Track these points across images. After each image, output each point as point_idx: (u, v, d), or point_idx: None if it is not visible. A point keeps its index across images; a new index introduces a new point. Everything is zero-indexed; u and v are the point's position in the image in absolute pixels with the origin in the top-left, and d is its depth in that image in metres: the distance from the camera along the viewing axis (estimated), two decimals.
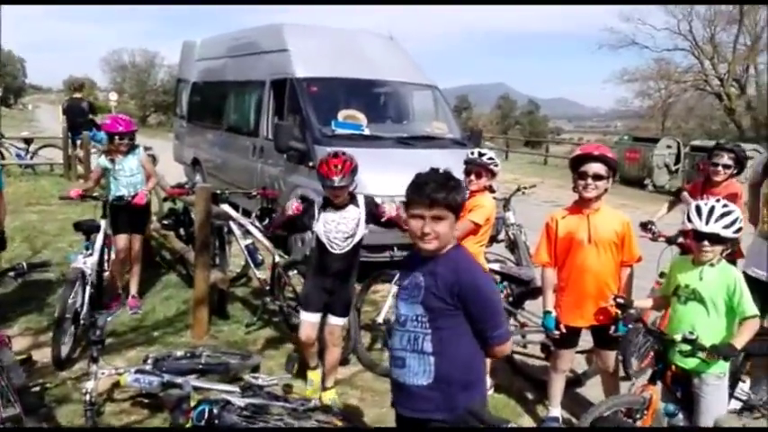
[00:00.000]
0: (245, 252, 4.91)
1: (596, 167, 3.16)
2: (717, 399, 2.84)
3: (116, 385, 3.73)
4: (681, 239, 4.42)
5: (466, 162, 4.02)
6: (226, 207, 5.06)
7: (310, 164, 6.44)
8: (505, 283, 4.48)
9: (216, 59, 9.89)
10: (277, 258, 4.67)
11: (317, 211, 3.68)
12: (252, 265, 4.87)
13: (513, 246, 6.54)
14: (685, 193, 4.41)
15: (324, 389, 3.82)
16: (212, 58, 10.06)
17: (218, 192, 5.06)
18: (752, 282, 3.65)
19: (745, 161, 4.33)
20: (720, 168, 4.28)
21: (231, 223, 5.03)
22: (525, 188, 6.20)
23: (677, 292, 2.89)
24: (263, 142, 7.59)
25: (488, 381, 4.08)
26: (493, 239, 6.68)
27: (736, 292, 2.70)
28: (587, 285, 3.27)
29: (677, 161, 16.54)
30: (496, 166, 4.04)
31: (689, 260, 2.91)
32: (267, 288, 4.82)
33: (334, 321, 3.78)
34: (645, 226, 4.23)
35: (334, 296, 3.74)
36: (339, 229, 3.60)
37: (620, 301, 3.08)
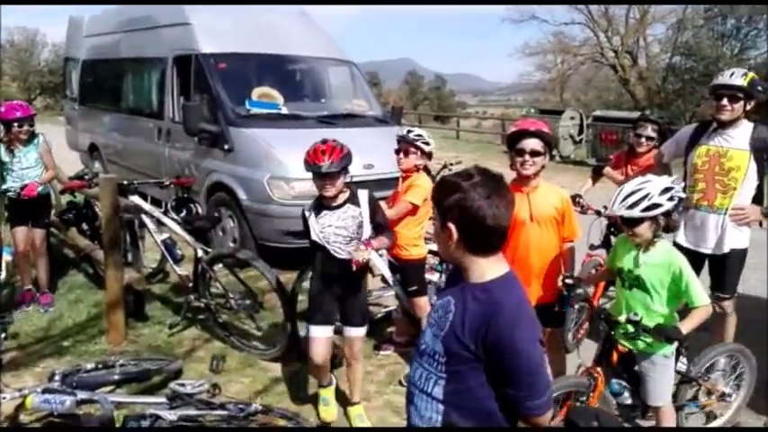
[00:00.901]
0: (162, 248, 4.48)
1: (533, 143, 3.07)
2: (664, 378, 2.86)
3: (22, 407, 3.27)
4: (609, 212, 4.51)
5: (398, 140, 3.94)
6: (135, 199, 4.57)
7: (225, 147, 6.03)
8: (445, 265, 4.39)
9: (108, 35, 9.03)
10: (200, 253, 4.28)
11: (307, 216, 3.30)
12: (170, 262, 4.45)
13: None
14: (608, 168, 4.46)
15: (351, 404, 3.56)
16: (104, 33, 9.18)
17: (126, 183, 4.56)
18: (679, 249, 3.78)
19: (668, 132, 4.43)
20: (644, 140, 4.36)
21: (143, 216, 4.56)
22: (451, 164, 6.13)
23: (621, 276, 2.87)
24: (170, 125, 7.03)
25: None
26: None
27: (683, 280, 2.64)
28: (532, 264, 3.19)
29: (580, 131, 17.28)
30: (426, 144, 3.94)
31: (630, 242, 2.84)
32: (190, 285, 4.44)
33: (354, 333, 3.43)
34: (573, 199, 4.23)
35: (346, 305, 3.38)
36: (338, 232, 3.24)
37: (569, 281, 3.04)
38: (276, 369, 4.08)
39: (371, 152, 5.82)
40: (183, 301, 4.51)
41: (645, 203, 2.59)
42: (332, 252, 3.24)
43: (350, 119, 6.77)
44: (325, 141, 3.19)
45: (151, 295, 5.16)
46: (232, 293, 4.23)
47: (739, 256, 3.65)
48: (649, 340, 2.70)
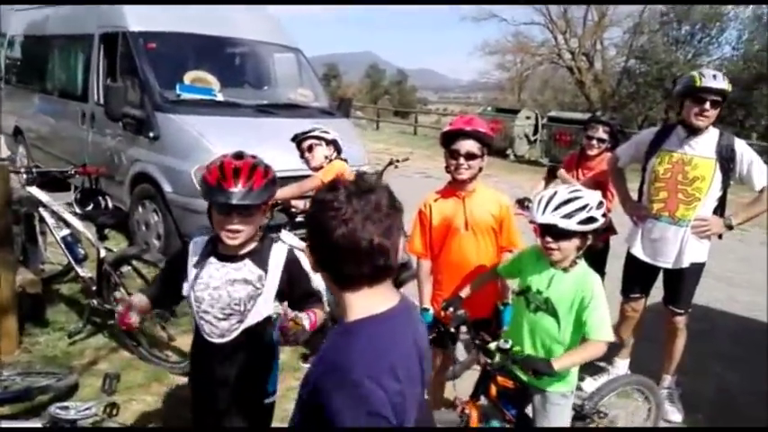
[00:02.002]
0: (62, 245, 3.97)
1: (468, 145, 2.72)
2: (559, 419, 2.47)
3: None
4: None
5: (295, 142, 3.65)
6: (33, 190, 4.04)
7: (150, 134, 5.51)
8: None
9: (37, 9, 8.34)
10: (102, 252, 3.80)
11: (189, 253, 2.17)
12: (72, 261, 3.95)
13: None
14: (562, 171, 4.18)
15: None
16: (33, 7, 8.48)
17: (24, 171, 4.03)
18: (634, 260, 3.52)
19: (619, 135, 4.18)
20: (595, 142, 4.09)
21: (42, 210, 4.04)
22: (398, 161, 5.76)
23: (526, 295, 2.45)
24: (94, 108, 6.43)
25: None
26: None
27: (591, 305, 2.24)
28: (466, 276, 2.85)
29: (536, 131, 17.27)
30: (326, 132, 3.74)
31: (546, 259, 2.39)
32: (94, 288, 3.95)
33: None
34: (521, 203, 3.93)
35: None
36: (217, 298, 2.10)
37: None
38: (186, 384, 3.64)
39: None
40: (86, 305, 4.01)
41: (583, 215, 2.20)
42: (201, 330, 2.15)
43: (292, 109, 6.31)
44: (240, 156, 2.07)
45: (57, 298, 4.63)
46: None
47: (697, 269, 3.42)
48: (517, 369, 2.33)
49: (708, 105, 3.12)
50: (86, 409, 2.89)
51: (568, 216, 2.19)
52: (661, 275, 3.55)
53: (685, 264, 3.34)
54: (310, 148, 3.65)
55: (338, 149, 3.88)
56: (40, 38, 8.14)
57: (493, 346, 2.29)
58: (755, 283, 6.38)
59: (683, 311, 3.48)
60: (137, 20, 5.97)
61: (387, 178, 6.91)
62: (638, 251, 3.49)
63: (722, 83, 3.11)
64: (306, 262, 1.69)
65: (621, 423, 2.93)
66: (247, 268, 2.10)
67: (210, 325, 2.13)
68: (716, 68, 21.14)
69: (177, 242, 5.45)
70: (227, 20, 6.61)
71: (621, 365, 3.81)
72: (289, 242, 3.87)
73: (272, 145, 5.58)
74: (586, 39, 27.45)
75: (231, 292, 2.09)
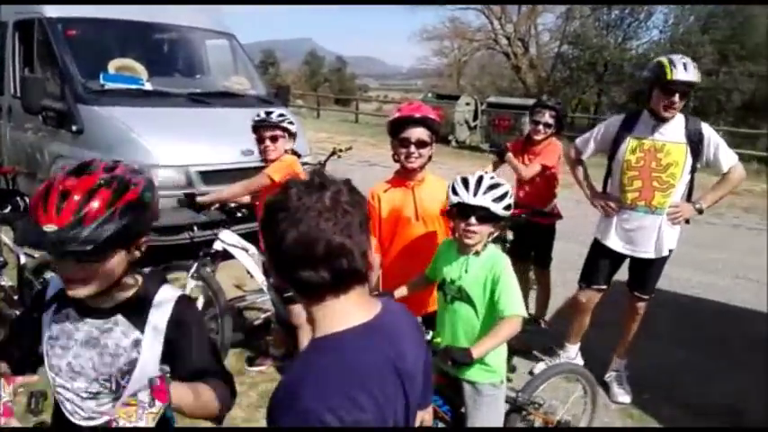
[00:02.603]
0: None
1: (419, 133, 2.64)
2: (493, 411, 2.42)
3: None
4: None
5: (255, 127, 3.35)
6: None
7: (73, 128, 5.14)
8: None
9: None
10: (23, 259, 3.49)
11: (45, 310, 1.53)
12: None
13: None
14: (510, 155, 4.13)
15: None
16: None
17: None
18: (605, 251, 3.46)
19: (565, 119, 4.18)
20: (541, 127, 4.05)
21: None
22: (341, 150, 5.61)
23: (443, 288, 2.42)
24: (11, 101, 5.95)
25: None
26: None
27: (500, 284, 2.22)
28: (417, 267, 2.76)
29: (475, 117, 17.41)
30: (292, 123, 3.41)
31: (455, 247, 2.40)
32: (15, 297, 3.63)
33: None
34: None
35: None
36: (80, 365, 1.47)
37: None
38: None
39: (252, 136, 5.19)
40: (8, 316, 3.69)
41: (506, 201, 2.23)
42: (62, 407, 1.51)
43: (227, 98, 6.04)
44: (82, 170, 1.38)
45: None
46: None
47: (667, 256, 3.39)
48: (438, 360, 2.25)
49: (677, 98, 3.05)
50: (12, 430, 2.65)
51: (498, 200, 2.22)
52: (626, 262, 3.51)
53: (665, 252, 3.31)
54: (275, 139, 3.36)
55: (294, 139, 3.64)
56: None
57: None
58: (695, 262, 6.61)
59: (648, 297, 3.49)
60: (54, 5, 5.54)
61: (330, 168, 6.76)
62: (613, 243, 3.39)
63: (693, 74, 3.03)
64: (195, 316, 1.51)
65: (560, 412, 2.91)
66: (119, 330, 1.47)
67: (73, 404, 1.49)
68: (644, 52, 21.98)
69: None
70: (154, 5, 6.23)
71: (572, 350, 3.82)
72: (230, 242, 3.67)
73: (207, 136, 5.36)
74: (521, 24, 27.88)
75: (97, 363, 1.46)
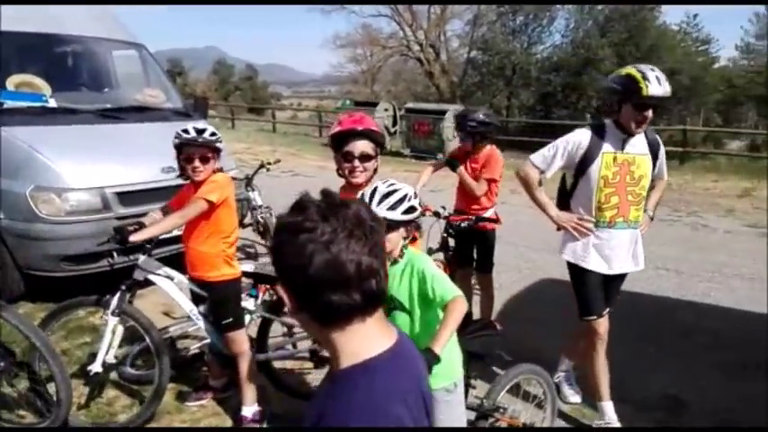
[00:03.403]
0: None
1: (362, 146, 2.55)
2: (451, 416, 2.30)
3: None
4: (447, 213, 4.19)
5: (182, 145, 3.04)
6: None
7: None
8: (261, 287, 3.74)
9: None
10: None
11: None
12: None
13: (264, 230, 5.72)
14: (461, 169, 4.10)
15: None
16: None
17: None
18: (593, 276, 3.16)
19: (491, 125, 4.13)
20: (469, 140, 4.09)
21: None
22: (269, 163, 5.39)
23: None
24: None
25: (254, 408, 3.30)
26: (239, 223, 5.77)
27: (427, 279, 2.17)
28: None
29: (395, 123, 17.56)
30: (221, 142, 3.15)
31: None
32: None
33: None
34: None
35: None
36: None
37: None
38: None
39: (171, 152, 4.86)
40: None
41: (405, 205, 2.16)
42: None
43: (141, 112, 5.66)
44: None
45: None
46: None
47: None
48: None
49: (650, 113, 2.87)
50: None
51: (393, 208, 2.14)
52: None
53: (642, 264, 3.19)
54: (205, 160, 3.05)
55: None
56: None
57: None
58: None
59: (611, 310, 3.30)
60: None
61: (255, 181, 6.51)
62: (596, 265, 3.13)
63: (666, 87, 2.83)
64: None
65: (524, 415, 2.90)
66: None
67: None
68: (549, 55, 23.05)
69: (16, 276, 4.68)
70: (55, 15, 5.74)
71: (609, 408, 3.37)
72: (151, 270, 3.34)
73: (122, 154, 4.97)
74: (431, 30, 28.49)
75: None
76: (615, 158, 3.01)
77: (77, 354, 4.05)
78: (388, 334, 1.11)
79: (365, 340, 1.06)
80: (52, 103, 5.09)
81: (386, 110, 17.59)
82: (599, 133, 3.04)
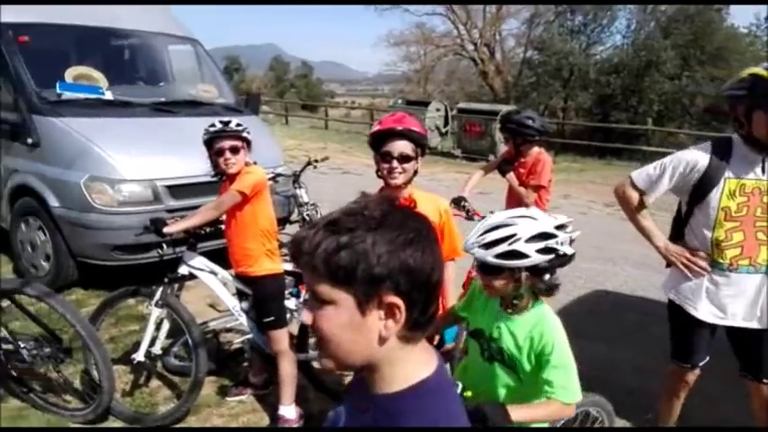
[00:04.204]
0: None
1: (401, 146, 2.45)
2: None
3: None
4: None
5: (211, 138, 3.08)
6: None
7: (29, 141, 4.79)
8: (303, 286, 3.67)
9: None
10: None
11: None
12: None
13: None
14: (512, 175, 3.93)
15: None
16: None
17: None
18: (699, 324, 2.67)
19: (531, 128, 3.86)
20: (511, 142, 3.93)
21: None
22: (316, 161, 5.37)
23: (478, 337, 2.02)
24: None
25: (292, 408, 3.26)
26: (285, 221, 5.80)
27: (549, 365, 1.83)
28: None
29: (446, 123, 17.38)
30: (249, 133, 3.17)
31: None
32: None
33: None
34: (457, 203, 3.69)
35: None
36: None
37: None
38: None
39: None
40: None
41: (503, 247, 1.80)
42: None
43: (194, 107, 5.73)
44: None
45: None
46: (22, 340, 3.16)
47: None
48: None
49: None
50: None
51: (489, 246, 1.82)
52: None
53: (766, 321, 2.57)
54: (235, 150, 3.08)
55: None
56: None
57: None
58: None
59: None
60: (6, 10, 5.16)
61: (304, 177, 6.52)
62: (706, 314, 2.60)
63: None
64: None
65: None
66: None
67: None
68: (608, 57, 22.33)
69: (70, 263, 4.81)
70: (114, 9, 5.89)
71: None
72: (196, 265, 3.37)
73: (173, 148, 5.04)
74: (486, 29, 28.07)
75: None
76: (743, 186, 2.44)
77: (125, 341, 4.12)
78: (430, 350, 1.01)
79: (423, 357, 0.97)
80: (108, 96, 5.22)
81: (437, 110, 17.42)
82: (722, 152, 2.48)
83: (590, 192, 11.25)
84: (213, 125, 3.11)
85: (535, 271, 1.82)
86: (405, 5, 29.14)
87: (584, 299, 5.31)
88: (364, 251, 0.87)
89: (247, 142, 3.16)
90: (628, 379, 3.83)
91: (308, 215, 5.72)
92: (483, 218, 3.85)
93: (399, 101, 19.30)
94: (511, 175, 3.93)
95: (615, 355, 4.23)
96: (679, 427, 3.08)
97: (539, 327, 1.87)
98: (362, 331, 0.91)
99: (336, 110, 30.00)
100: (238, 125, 3.12)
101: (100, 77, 5.28)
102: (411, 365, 0.95)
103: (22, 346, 3.11)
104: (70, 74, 5.11)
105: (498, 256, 1.80)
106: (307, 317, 0.94)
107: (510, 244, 1.79)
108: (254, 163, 3.27)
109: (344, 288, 0.89)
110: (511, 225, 1.83)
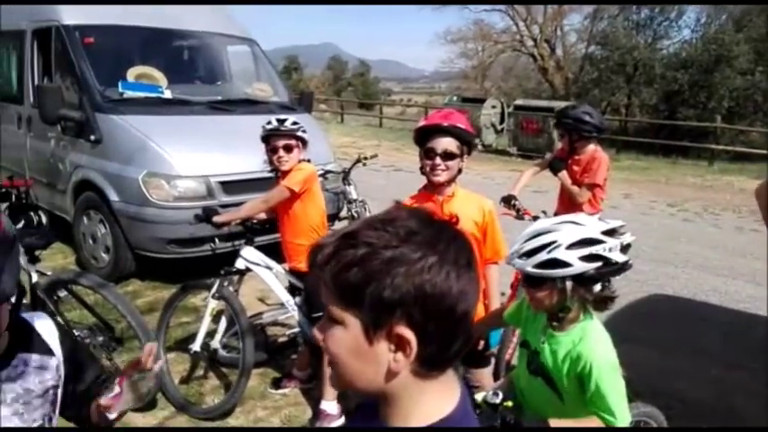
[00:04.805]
0: None
1: (446, 143, 2.40)
2: None
3: None
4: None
5: (267, 136, 3.14)
6: None
7: (92, 138, 5.00)
8: None
9: None
10: (34, 278, 3.32)
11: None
12: None
13: None
14: (564, 173, 3.77)
15: None
16: None
17: None
18: None
19: (588, 124, 3.69)
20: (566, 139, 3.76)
21: None
22: (365, 158, 5.38)
23: (526, 348, 1.95)
24: (30, 111, 5.84)
25: (333, 404, 3.27)
26: (334, 217, 5.84)
27: (591, 382, 1.70)
28: None
29: (502, 120, 17.06)
30: (305, 132, 3.21)
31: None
32: None
33: None
34: (507, 201, 3.59)
35: None
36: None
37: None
38: (138, 422, 3.22)
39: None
40: None
41: (542, 256, 1.68)
42: None
43: (249, 105, 5.86)
44: None
45: None
46: (77, 329, 3.30)
47: None
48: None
49: None
50: None
51: (526, 255, 1.72)
52: None
53: None
54: (289, 149, 3.15)
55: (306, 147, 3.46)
56: None
57: (479, 397, 1.83)
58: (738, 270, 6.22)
59: None
60: (72, 12, 5.43)
61: (355, 174, 6.55)
62: None
63: None
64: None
65: None
66: (32, 366, 1.32)
67: None
68: (676, 51, 21.34)
69: (128, 255, 4.99)
70: (173, 10, 6.08)
71: None
72: (252, 260, 3.44)
73: (227, 145, 5.16)
74: (547, 25, 27.41)
75: (25, 415, 1.29)
76: None
77: (177, 332, 4.23)
78: (454, 388, 0.88)
79: (446, 392, 0.85)
80: (167, 95, 5.40)
81: (493, 107, 17.12)
82: None
83: (653, 191, 10.81)
84: (270, 122, 3.19)
85: (582, 281, 1.69)
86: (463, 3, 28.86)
87: (641, 302, 5.09)
88: (377, 270, 0.75)
89: (302, 141, 3.21)
90: (682, 388, 3.65)
91: (356, 212, 5.73)
92: (535, 217, 3.78)
93: (455, 98, 19.08)
94: (563, 173, 3.79)
95: (669, 362, 4.03)
96: (684, 427, 2.92)
97: (580, 345, 1.75)
98: (369, 361, 0.80)
99: (392, 108, 30.06)
100: (294, 123, 3.17)
101: (160, 77, 5.47)
102: (431, 401, 0.83)
103: (76, 334, 3.25)
104: (132, 73, 5.32)
105: (538, 265, 1.69)
106: (317, 334, 0.85)
107: (549, 252, 1.68)
108: (308, 160, 3.32)
109: (352, 310, 0.78)
110: (552, 231, 1.72)
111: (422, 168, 2.50)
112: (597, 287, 1.71)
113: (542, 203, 4.22)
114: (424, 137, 2.45)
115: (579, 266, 1.67)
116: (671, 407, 2.83)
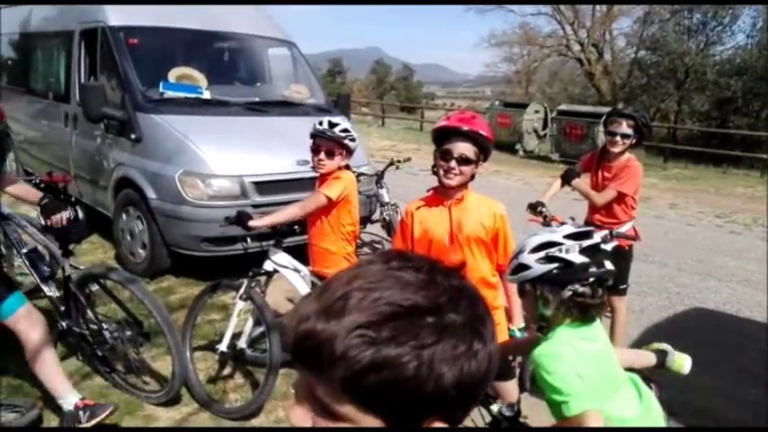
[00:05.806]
0: (26, 261, 3.58)
1: (463, 148, 2.31)
2: None
3: None
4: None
5: (313, 135, 3.10)
6: None
7: (132, 136, 5.13)
8: None
9: (20, 6, 8.00)
10: (67, 270, 3.41)
11: None
12: (36, 278, 3.56)
13: (389, 227, 5.71)
14: (578, 181, 3.68)
15: None
16: (16, 3, 8.14)
17: None
18: None
19: (646, 129, 3.66)
20: (618, 138, 3.56)
21: (4, 223, 3.65)
22: (399, 161, 5.35)
23: None
24: (76, 109, 6.04)
25: None
26: (367, 220, 5.84)
27: (546, 387, 1.62)
28: None
29: (545, 126, 16.78)
30: (353, 140, 3.13)
31: None
32: (62, 309, 3.55)
33: None
34: (534, 208, 3.50)
35: None
36: None
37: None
38: (162, 417, 3.27)
39: (308, 146, 5.02)
40: (55, 327, 3.62)
41: (513, 263, 1.73)
42: None
43: (285, 107, 5.92)
44: None
45: None
46: (106, 322, 3.37)
47: None
48: None
49: None
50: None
51: (533, 250, 1.72)
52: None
53: None
54: (330, 154, 3.09)
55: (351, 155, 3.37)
56: (25, 36, 7.81)
57: (495, 408, 1.80)
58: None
59: None
60: (117, 13, 5.59)
61: (390, 178, 6.51)
62: None
63: None
64: None
65: None
66: None
67: None
68: (729, 57, 20.57)
69: (163, 252, 5.09)
70: (214, 12, 6.21)
71: None
72: (281, 262, 3.45)
73: (262, 145, 5.22)
74: (595, 29, 26.83)
75: None
76: None
77: (204, 329, 4.28)
78: None
79: None
80: (206, 95, 5.49)
81: (536, 111, 16.86)
82: None
83: (701, 202, 10.42)
84: (321, 123, 3.13)
85: (547, 284, 1.67)
86: (508, 6, 28.56)
87: (680, 316, 4.89)
88: (413, 377, 0.61)
89: (348, 149, 3.15)
90: (717, 407, 3.48)
91: (387, 215, 5.71)
92: (562, 223, 3.65)
93: (497, 102, 18.88)
94: (577, 181, 3.68)
95: (706, 380, 3.84)
96: (685, 427, 2.77)
97: (538, 358, 1.65)
98: None
99: (434, 111, 29.88)
100: (344, 131, 3.09)
101: (200, 78, 5.57)
102: None
103: (105, 327, 3.32)
104: (173, 74, 5.43)
105: (510, 272, 1.75)
106: (301, 419, 0.66)
107: (516, 258, 1.74)
108: (347, 167, 3.28)
109: (372, 412, 0.63)
110: (527, 239, 1.76)
111: (434, 168, 2.42)
112: (567, 292, 1.65)
113: (582, 209, 4.05)
114: (441, 137, 2.37)
115: (537, 268, 1.68)
116: (705, 427, 2.70)
